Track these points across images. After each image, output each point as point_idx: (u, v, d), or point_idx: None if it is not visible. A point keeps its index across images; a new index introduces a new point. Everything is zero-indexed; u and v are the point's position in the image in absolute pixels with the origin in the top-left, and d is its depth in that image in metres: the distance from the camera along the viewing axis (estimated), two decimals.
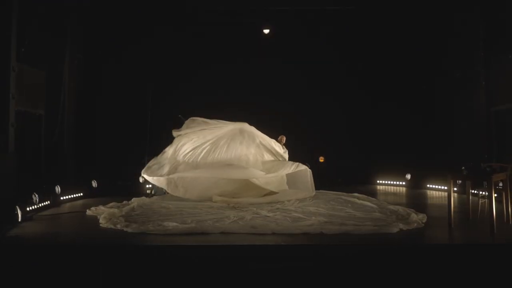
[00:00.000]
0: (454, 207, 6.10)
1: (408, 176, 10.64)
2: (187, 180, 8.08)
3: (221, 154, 8.26)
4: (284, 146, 9.15)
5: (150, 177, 7.97)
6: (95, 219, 6.58)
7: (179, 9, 10.58)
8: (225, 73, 11.25)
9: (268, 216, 6.63)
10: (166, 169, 7.88)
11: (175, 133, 8.34)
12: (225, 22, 10.99)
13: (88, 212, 7.18)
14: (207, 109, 9.05)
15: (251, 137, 8.56)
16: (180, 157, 8.12)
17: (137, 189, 9.58)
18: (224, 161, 8.20)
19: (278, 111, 11.00)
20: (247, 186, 8.26)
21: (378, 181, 11.20)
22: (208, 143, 8.28)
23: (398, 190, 10.43)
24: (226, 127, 8.42)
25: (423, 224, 6.15)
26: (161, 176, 7.85)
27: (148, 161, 8.29)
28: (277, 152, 8.86)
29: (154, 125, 11.05)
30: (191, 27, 11.24)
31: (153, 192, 9.01)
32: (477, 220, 6.37)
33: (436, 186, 10.00)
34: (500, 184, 6.51)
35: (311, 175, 8.62)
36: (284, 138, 9.29)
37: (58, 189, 8.17)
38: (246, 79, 11.19)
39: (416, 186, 10.41)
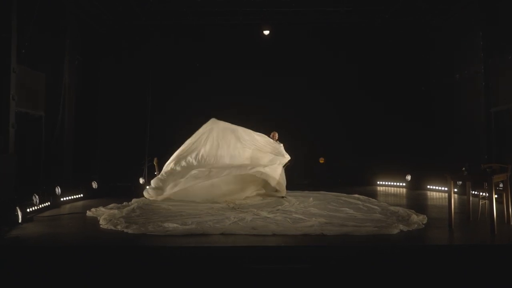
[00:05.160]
0: (454, 208, 6.10)
1: (409, 177, 10.64)
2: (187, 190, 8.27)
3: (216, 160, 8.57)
4: (278, 142, 9.18)
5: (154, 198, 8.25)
6: (95, 220, 6.58)
7: (179, 11, 10.59)
8: (224, 74, 11.25)
9: (269, 217, 6.63)
10: (168, 186, 8.18)
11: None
12: (225, 23, 11.00)
13: (88, 213, 7.17)
14: (206, 110, 9.10)
15: (235, 136, 8.76)
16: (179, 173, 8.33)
17: (137, 190, 9.56)
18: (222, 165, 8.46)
19: (278, 113, 11.00)
20: (243, 183, 8.63)
21: (378, 182, 11.20)
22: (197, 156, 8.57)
23: (398, 191, 10.42)
24: (200, 137, 8.65)
25: (423, 225, 6.15)
26: (163, 194, 8.20)
27: (148, 162, 8.29)
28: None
29: (153, 126, 11.05)
30: (191, 28, 11.25)
31: None
32: (478, 221, 6.37)
33: (436, 187, 10.00)
34: (501, 185, 6.51)
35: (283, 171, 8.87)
36: (276, 134, 9.33)
37: (58, 190, 8.17)
38: (245, 82, 11.20)
39: (416, 187, 10.40)
